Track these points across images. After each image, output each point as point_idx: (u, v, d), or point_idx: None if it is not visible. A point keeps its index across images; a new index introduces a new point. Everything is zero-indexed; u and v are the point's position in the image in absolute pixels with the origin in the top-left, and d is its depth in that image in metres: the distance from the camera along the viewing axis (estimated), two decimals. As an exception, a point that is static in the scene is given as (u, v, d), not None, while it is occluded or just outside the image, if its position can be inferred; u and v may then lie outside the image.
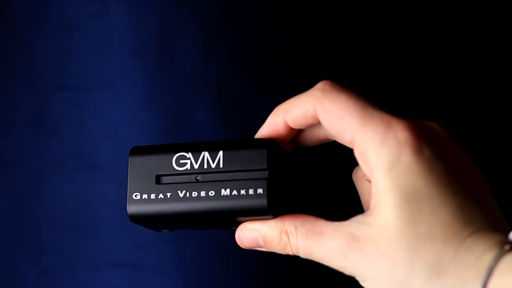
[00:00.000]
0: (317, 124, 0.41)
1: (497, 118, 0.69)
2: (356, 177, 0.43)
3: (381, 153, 0.37)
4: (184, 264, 0.63)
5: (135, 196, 0.41)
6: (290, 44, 0.64)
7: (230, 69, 0.64)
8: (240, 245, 0.43)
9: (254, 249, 0.43)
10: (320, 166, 0.66)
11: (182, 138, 0.63)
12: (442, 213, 0.37)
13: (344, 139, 0.39)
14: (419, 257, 0.37)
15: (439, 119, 0.67)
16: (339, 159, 0.61)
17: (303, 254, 0.40)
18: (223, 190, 0.41)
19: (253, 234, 0.42)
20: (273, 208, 0.40)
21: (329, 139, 0.43)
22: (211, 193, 0.41)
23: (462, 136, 0.67)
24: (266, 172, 0.40)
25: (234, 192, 0.41)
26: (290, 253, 0.41)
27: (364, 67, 0.66)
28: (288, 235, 0.40)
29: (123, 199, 0.65)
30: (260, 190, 0.40)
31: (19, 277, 0.65)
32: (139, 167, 0.42)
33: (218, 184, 0.41)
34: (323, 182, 0.66)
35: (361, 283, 0.39)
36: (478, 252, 0.36)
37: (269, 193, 0.40)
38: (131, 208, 0.41)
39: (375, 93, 0.66)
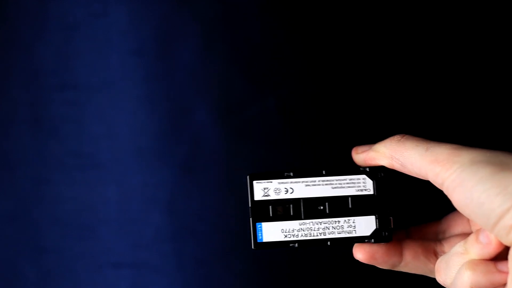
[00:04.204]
0: None
1: (497, 118, 0.69)
2: None
3: None
4: (184, 264, 0.63)
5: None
6: (290, 44, 0.64)
7: (230, 69, 0.64)
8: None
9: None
10: None
11: (182, 138, 0.63)
12: None
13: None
14: None
15: (439, 119, 0.67)
16: None
17: None
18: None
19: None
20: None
21: None
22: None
23: (462, 136, 0.67)
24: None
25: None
26: None
27: (364, 67, 0.66)
28: None
29: (123, 199, 0.65)
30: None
31: (19, 277, 0.65)
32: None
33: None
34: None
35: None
36: None
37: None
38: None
39: (375, 93, 0.66)
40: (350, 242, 0.46)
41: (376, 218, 0.46)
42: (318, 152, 0.63)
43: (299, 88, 0.65)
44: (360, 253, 0.47)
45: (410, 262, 0.48)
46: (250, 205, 0.46)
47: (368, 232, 0.46)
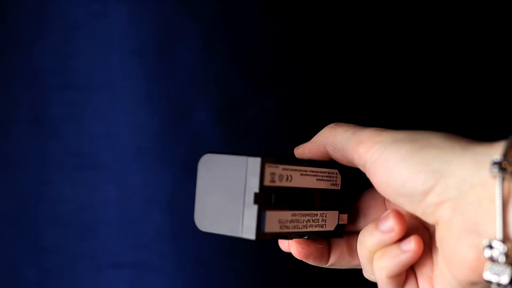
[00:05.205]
0: None
1: (497, 118, 0.69)
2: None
3: None
4: (184, 264, 0.63)
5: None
6: (290, 44, 0.64)
7: (230, 69, 0.64)
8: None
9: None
10: None
11: (182, 138, 0.63)
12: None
13: None
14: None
15: (439, 118, 0.67)
16: None
17: None
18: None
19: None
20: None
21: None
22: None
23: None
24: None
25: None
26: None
27: (364, 67, 0.66)
28: None
29: (123, 199, 0.65)
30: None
31: (19, 277, 0.65)
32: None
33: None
34: None
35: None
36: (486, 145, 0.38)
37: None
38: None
39: (375, 93, 0.66)
40: (321, 236, 0.45)
41: (338, 214, 0.46)
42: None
43: (299, 88, 0.65)
44: (296, 250, 0.45)
45: (336, 262, 0.47)
46: (258, 191, 0.40)
47: (332, 227, 0.45)
